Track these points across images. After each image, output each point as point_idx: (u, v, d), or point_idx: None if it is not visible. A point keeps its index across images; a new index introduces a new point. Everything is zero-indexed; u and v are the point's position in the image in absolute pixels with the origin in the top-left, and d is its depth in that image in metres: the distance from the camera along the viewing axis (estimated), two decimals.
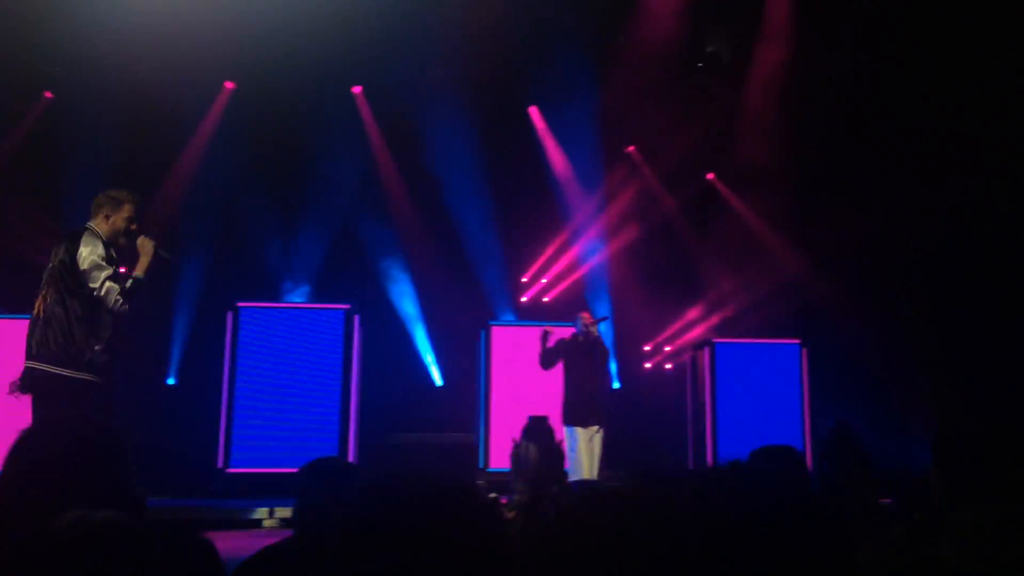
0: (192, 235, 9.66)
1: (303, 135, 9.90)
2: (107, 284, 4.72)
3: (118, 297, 4.72)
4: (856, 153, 10.26)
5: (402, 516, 1.63)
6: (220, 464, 8.33)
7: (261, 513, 7.26)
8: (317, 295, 9.67)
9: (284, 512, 7.06)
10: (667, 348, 10.90)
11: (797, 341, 10.03)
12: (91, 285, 4.71)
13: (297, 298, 9.59)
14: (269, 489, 7.73)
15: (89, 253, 4.73)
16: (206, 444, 8.49)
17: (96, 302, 4.72)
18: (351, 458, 8.34)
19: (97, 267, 4.73)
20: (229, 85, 10.26)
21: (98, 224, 4.91)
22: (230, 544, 5.86)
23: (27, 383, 4.65)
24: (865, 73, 9.87)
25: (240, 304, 8.93)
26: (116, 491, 1.76)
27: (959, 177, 9.34)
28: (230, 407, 8.43)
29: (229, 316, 8.87)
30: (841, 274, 10.23)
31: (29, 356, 4.71)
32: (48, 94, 9.97)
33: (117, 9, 8.93)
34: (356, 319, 8.77)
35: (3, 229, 9.42)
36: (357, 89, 10.47)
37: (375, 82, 10.36)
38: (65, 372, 4.64)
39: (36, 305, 4.78)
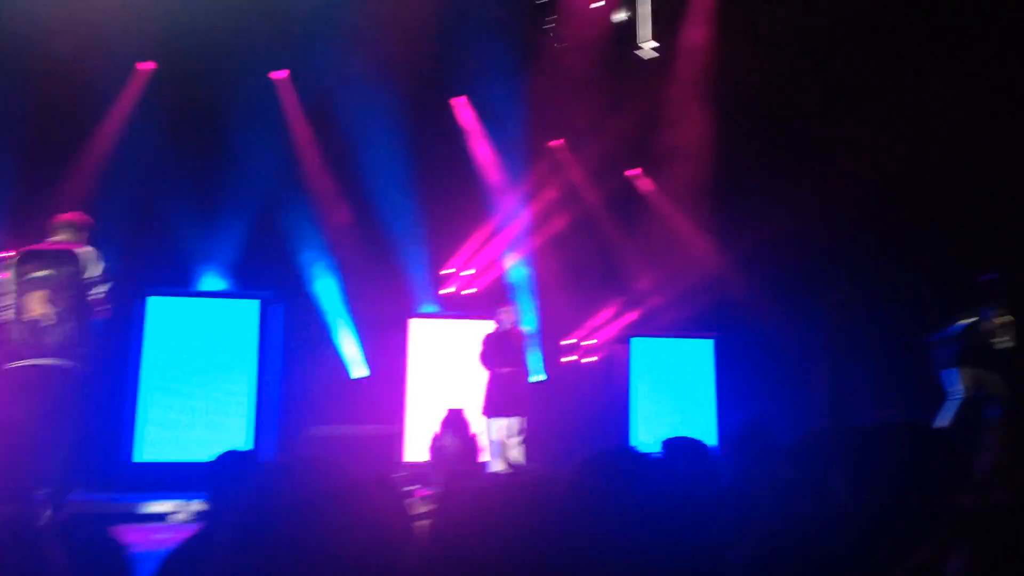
0: (105, 220, 9.33)
1: (223, 120, 9.67)
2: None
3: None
4: (772, 152, 10.52)
5: (311, 506, 1.62)
6: (126, 456, 8.11)
7: (170, 506, 7.09)
8: (235, 285, 9.47)
9: (197, 505, 6.92)
10: (588, 341, 11.02)
11: (712, 336, 10.26)
12: (94, 293, 5.80)
13: (214, 287, 9.38)
14: (182, 482, 7.55)
15: (94, 268, 5.84)
16: (118, 436, 8.26)
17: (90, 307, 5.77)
18: (270, 450, 8.20)
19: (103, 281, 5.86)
20: (147, 66, 9.95)
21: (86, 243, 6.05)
22: (141, 538, 5.74)
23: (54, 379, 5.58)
24: (782, 71, 10.13)
25: (151, 293, 8.70)
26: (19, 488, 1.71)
27: (867, 175, 9.65)
28: (137, 397, 8.20)
29: (139, 305, 8.62)
30: (755, 271, 10.49)
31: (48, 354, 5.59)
32: None
33: None
34: (275, 309, 8.62)
35: None
36: (279, 74, 10.26)
37: (298, 69, 10.19)
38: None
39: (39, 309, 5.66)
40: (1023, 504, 2.81)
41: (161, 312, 8.60)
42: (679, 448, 3.80)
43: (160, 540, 5.72)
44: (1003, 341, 8.19)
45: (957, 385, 8.16)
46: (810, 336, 10.33)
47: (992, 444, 3.36)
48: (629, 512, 1.44)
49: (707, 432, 9.57)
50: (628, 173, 11.60)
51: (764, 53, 9.89)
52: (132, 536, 6.05)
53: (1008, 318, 8.25)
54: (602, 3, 10.38)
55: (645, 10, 10.34)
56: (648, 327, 10.64)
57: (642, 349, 10.07)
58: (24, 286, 5.72)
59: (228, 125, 9.68)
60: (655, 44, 10.40)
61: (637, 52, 10.51)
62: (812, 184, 10.02)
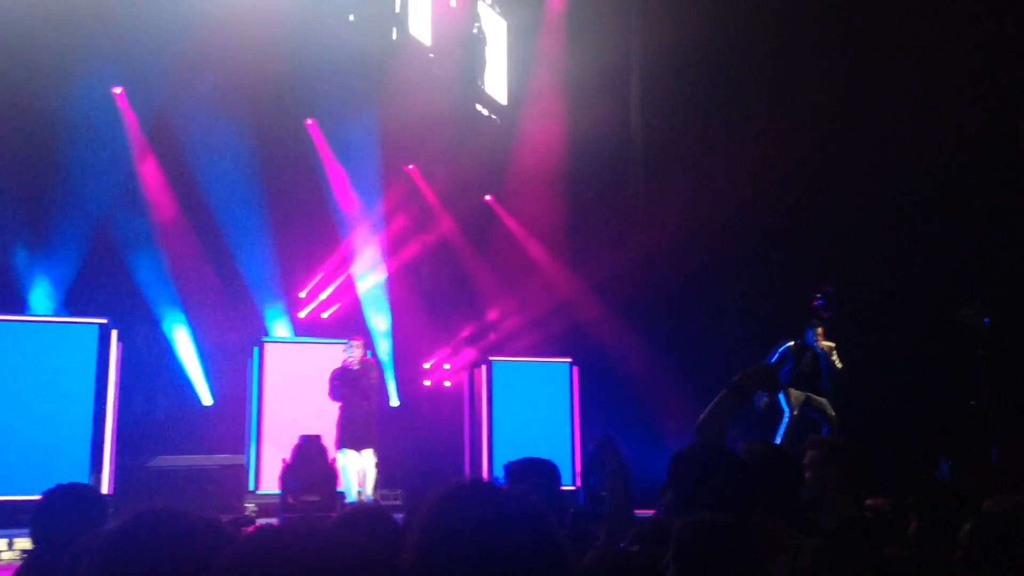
0: None
1: (57, 136, 9.13)
2: None
3: None
4: (621, 178, 10.91)
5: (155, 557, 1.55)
6: None
7: None
8: (70, 309, 8.90)
9: (24, 543, 6.44)
10: (445, 365, 11.01)
11: (568, 359, 10.45)
12: None
13: (46, 312, 8.80)
14: (9, 518, 7.00)
15: None
16: None
17: None
18: (107, 483, 7.73)
19: None
20: None
21: None
22: None
23: None
24: (629, 94, 10.58)
25: None
26: None
27: (719, 195, 10.11)
28: None
29: None
30: (608, 295, 10.79)
31: None
32: None
33: None
34: (113, 334, 8.15)
35: None
36: (118, 90, 9.79)
37: (139, 86, 9.76)
38: None
39: None
40: (844, 528, 2.98)
41: None
42: (523, 470, 3.84)
43: None
44: (829, 363, 8.63)
45: (787, 405, 8.57)
46: (663, 357, 10.67)
47: (811, 465, 3.49)
48: (476, 546, 1.44)
49: (564, 454, 9.71)
50: (484, 199, 11.73)
51: (613, 85, 10.28)
52: None
53: (829, 344, 8.66)
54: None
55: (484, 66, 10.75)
56: (504, 350, 10.74)
57: (500, 371, 10.11)
58: None
59: (64, 142, 9.14)
60: (491, 106, 10.79)
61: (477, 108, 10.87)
62: (663, 209, 10.42)
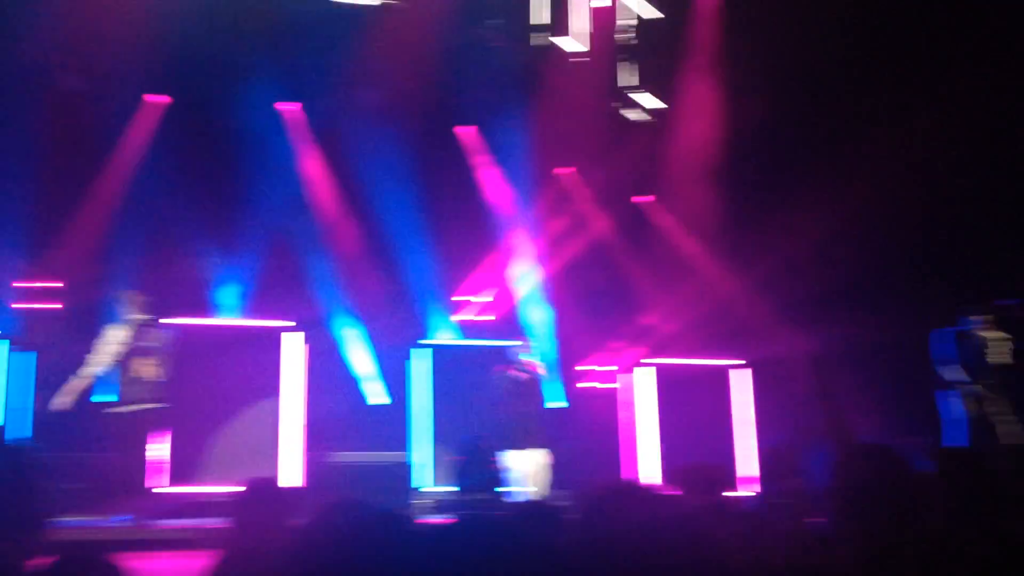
0: (121, 250, 9.44)
1: (235, 151, 9.76)
2: None
3: None
4: (788, 169, 10.54)
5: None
6: (150, 484, 8.07)
7: (193, 533, 7.05)
8: (252, 313, 9.49)
9: (217, 531, 6.87)
10: (603, 367, 10.99)
11: (731, 360, 10.17)
12: None
13: (231, 316, 9.42)
14: (207, 508, 7.51)
15: None
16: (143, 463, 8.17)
17: None
18: (300, 478, 8.18)
19: None
20: (158, 98, 10.08)
21: None
22: (158, 566, 5.72)
23: None
24: (795, 87, 10.22)
25: (169, 321, 8.61)
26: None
27: (889, 190, 9.63)
28: (166, 425, 8.16)
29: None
30: (777, 292, 10.44)
31: None
32: None
33: (45, 19, 8.75)
34: (297, 336, 8.64)
35: None
36: (286, 105, 10.37)
37: (309, 100, 10.30)
38: None
39: None
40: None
41: (186, 340, 8.53)
42: (688, 475, 3.79)
43: (175, 567, 5.72)
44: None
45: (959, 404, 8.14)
46: (839, 358, 10.22)
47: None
48: (630, 547, 1.45)
49: (732, 459, 9.46)
50: (637, 200, 11.64)
51: (773, 78, 9.98)
52: (154, 563, 6.05)
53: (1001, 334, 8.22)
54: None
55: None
56: (664, 351, 10.60)
57: (659, 373, 9.96)
58: None
59: (241, 156, 9.76)
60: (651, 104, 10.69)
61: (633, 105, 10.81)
62: (828, 205, 10.01)
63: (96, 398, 7.70)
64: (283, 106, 10.38)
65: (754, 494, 8.94)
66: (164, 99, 10.12)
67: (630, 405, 10.15)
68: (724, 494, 4.05)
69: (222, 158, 9.71)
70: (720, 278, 10.89)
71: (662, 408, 9.84)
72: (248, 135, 9.71)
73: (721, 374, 10.03)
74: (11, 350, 8.23)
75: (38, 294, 9.78)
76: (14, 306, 9.65)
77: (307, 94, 10.17)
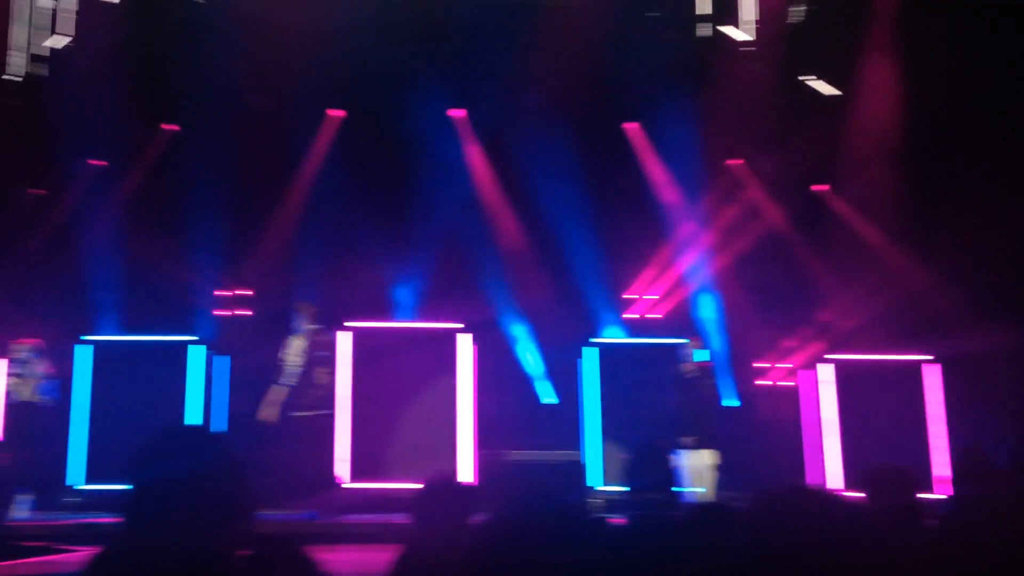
0: (306, 258, 10.01)
1: (407, 159, 10.13)
2: None
3: None
4: (975, 153, 9.84)
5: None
6: (337, 480, 8.48)
7: (377, 528, 7.32)
8: (425, 315, 9.82)
9: (400, 526, 7.12)
10: (780, 364, 10.62)
11: (920, 356, 9.57)
12: None
13: (407, 318, 9.78)
14: (390, 504, 7.80)
15: None
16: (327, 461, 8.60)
17: None
18: (473, 476, 8.38)
19: None
20: (336, 113, 10.63)
21: None
22: (342, 558, 5.98)
23: None
24: (981, 72, 9.52)
25: (349, 324, 9.02)
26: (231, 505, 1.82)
27: None
28: (346, 424, 8.56)
29: (338, 335, 8.96)
30: (965, 284, 9.75)
31: None
32: (170, 126, 10.55)
33: (231, 43, 9.39)
34: (467, 337, 8.85)
35: (131, 256, 9.99)
36: (456, 112, 10.67)
37: (476, 104, 10.55)
38: None
39: None
40: None
41: (362, 342, 8.92)
42: (875, 478, 3.60)
43: (365, 560, 5.95)
44: None
45: None
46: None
47: None
48: (804, 555, 1.40)
49: (924, 460, 8.91)
50: (815, 188, 11.16)
51: (960, 53, 9.33)
52: (341, 555, 6.35)
53: None
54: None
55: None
56: (845, 346, 10.10)
57: (841, 370, 9.51)
58: None
59: (412, 163, 10.11)
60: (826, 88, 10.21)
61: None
62: None
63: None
64: (453, 112, 10.70)
65: (946, 497, 8.40)
66: (341, 113, 10.66)
67: (811, 403, 9.75)
68: (916, 497, 3.82)
69: (395, 166, 10.10)
70: (905, 269, 10.27)
71: (843, 407, 9.38)
72: (419, 142, 10.05)
73: (913, 370, 9.43)
74: (209, 354, 8.88)
75: (232, 301, 10.53)
76: (215, 313, 10.44)
77: (474, 98, 10.42)
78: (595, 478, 9.07)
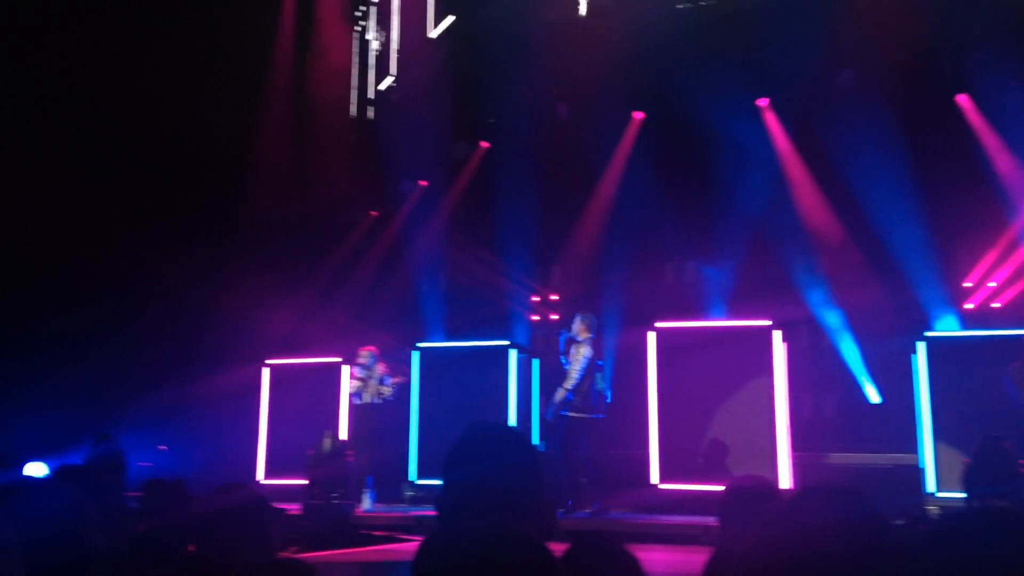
0: (611, 260, 10.23)
1: (710, 154, 9.94)
2: None
3: None
4: None
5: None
6: (652, 480, 8.54)
7: (689, 529, 7.27)
8: (735, 313, 9.57)
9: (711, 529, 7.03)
10: None
11: None
12: None
13: (715, 317, 9.60)
14: (703, 505, 7.72)
15: None
16: (641, 461, 8.68)
17: None
18: (789, 479, 8.08)
19: None
20: (638, 115, 10.75)
21: None
22: (654, 558, 6.01)
23: None
24: None
25: (657, 325, 9.01)
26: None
27: None
28: (657, 424, 8.60)
29: (647, 336, 8.99)
30: None
31: None
32: (484, 143, 11.33)
33: (537, 58, 9.86)
34: (776, 335, 8.52)
35: (450, 263, 10.86)
36: (762, 101, 10.36)
37: (783, 93, 10.14)
38: None
39: None
40: None
41: (669, 342, 8.91)
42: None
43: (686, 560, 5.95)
44: None
45: None
46: None
47: None
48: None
49: None
50: None
51: None
52: (658, 555, 6.41)
53: None
54: None
55: None
56: None
57: None
58: None
59: (716, 159, 9.91)
60: None
61: None
62: None
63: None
64: (759, 102, 10.40)
65: None
66: (640, 115, 10.77)
67: None
68: None
69: (699, 162, 9.96)
70: None
71: None
72: (722, 135, 9.84)
73: None
74: (519, 357, 9.34)
75: (541, 306, 11.03)
76: (531, 318, 10.99)
77: (780, 85, 10.02)
78: (931, 483, 8.33)
